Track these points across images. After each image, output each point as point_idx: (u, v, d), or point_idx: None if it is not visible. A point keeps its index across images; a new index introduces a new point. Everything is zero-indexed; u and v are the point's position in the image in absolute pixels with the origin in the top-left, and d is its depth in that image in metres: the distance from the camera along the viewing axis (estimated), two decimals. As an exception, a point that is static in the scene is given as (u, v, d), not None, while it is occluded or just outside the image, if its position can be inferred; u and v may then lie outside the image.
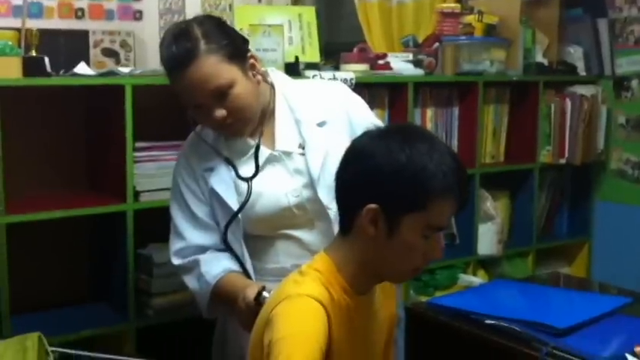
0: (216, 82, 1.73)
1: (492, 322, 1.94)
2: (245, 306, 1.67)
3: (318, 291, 1.40)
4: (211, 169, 1.87)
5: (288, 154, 1.85)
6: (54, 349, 1.75)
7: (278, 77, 1.93)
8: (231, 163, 1.84)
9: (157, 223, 2.09)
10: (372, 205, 1.38)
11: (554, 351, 1.77)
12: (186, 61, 1.71)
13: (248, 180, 1.82)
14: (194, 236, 1.89)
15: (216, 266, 1.85)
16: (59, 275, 2.45)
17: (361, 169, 1.41)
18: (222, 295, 1.83)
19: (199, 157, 1.89)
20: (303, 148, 1.85)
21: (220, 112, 1.75)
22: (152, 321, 2.35)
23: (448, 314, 2.06)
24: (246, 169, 1.84)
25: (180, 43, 1.72)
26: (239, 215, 1.82)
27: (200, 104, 1.76)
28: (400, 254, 1.42)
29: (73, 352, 1.87)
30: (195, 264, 1.88)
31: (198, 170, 1.89)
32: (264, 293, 1.64)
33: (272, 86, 1.90)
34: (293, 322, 1.35)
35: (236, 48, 1.78)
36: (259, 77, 1.85)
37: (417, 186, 1.37)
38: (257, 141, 1.84)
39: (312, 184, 1.83)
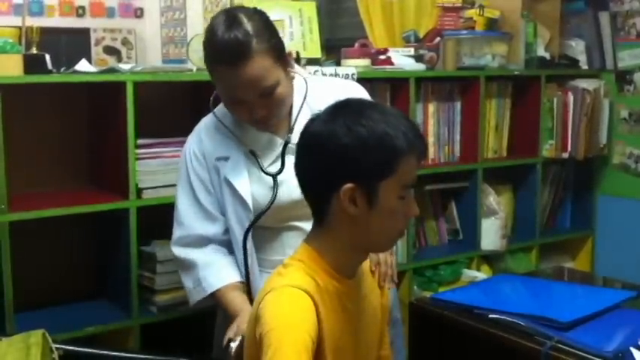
0: (266, 83, 1.72)
1: (496, 316, 1.94)
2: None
3: (303, 280, 1.41)
4: (226, 159, 1.86)
5: None
6: (58, 346, 1.75)
7: (296, 71, 1.94)
8: (255, 156, 1.85)
9: (159, 220, 2.09)
10: (348, 185, 1.39)
11: (558, 345, 1.77)
12: (239, 59, 1.68)
13: (274, 176, 1.82)
14: (197, 225, 1.89)
15: (215, 276, 1.86)
16: (62, 272, 2.45)
17: (325, 155, 1.42)
18: (219, 303, 1.88)
19: (214, 144, 1.88)
20: None
21: (261, 111, 1.76)
22: (155, 318, 2.35)
23: (452, 309, 2.06)
24: (266, 162, 1.85)
25: (233, 38, 1.68)
26: (251, 207, 1.82)
27: (243, 101, 1.75)
28: (384, 222, 1.43)
29: (76, 349, 1.87)
30: (194, 265, 1.88)
31: (210, 158, 1.88)
32: (232, 344, 1.67)
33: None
34: (279, 314, 1.36)
35: (281, 46, 1.78)
36: (292, 74, 1.86)
37: (384, 152, 1.39)
38: (285, 138, 1.85)
39: None
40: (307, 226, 1.84)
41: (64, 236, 2.43)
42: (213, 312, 2.05)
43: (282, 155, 1.83)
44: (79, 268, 2.50)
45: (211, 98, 1.90)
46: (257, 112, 1.76)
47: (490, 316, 1.95)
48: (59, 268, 2.44)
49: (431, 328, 2.11)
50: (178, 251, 1.91)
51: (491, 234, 3.05)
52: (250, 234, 1.84)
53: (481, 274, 2.99)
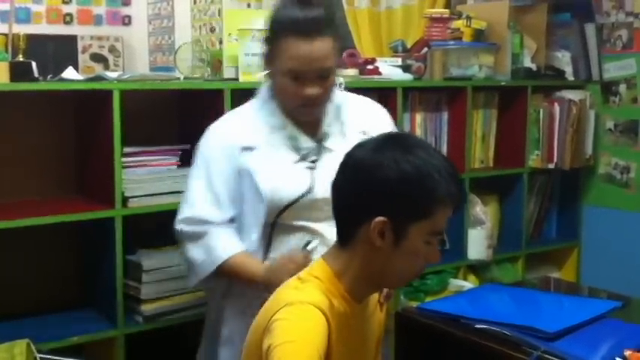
0: (328, 63, 1.83)
1: (482, 326, 1.94)
2: (289, 259, 1.75)
3: (319, 299, 1.41)
4: (251, 149, 1.90)
5: (330, 150, 1.90)
6: (42, 355, 1.74)
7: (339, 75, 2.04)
8: (294, 148, 1.90)
9: (145, 229, 2.08)
10: (381, 218, 1.38)
11: (544, 355, 1.77)
12: (314, 33, 1.79)
13: (311, 167, 1.89)
14: (206, 210, 1.91)
15: (228, 243, 1.89)
16: (48, 281, 2.43)
17: (367, 183, 1.41)
18: (232, 271, 1.88)
19: (243, 133, 1.92)
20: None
21: (314, 90, 1.83)
22: (141, 327, 2.33)
23: (438, 319, 2.06)
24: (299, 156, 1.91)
25: (312, 12, 1.79)
26: (265, 201, 1.86)
27: (302, 76, 1.82)
28: (404, 261, 1.43)
29: (61, 358, 1.86)
30: (203, 235, 1.90)
31: (235, 146, 1.91)
32: (309, 247, 1.77)
33: None
34: (294, 329, 1.35)
35: (342, 43, 1.92)
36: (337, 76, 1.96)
37: (424, 194, 1.38)
38: (318, 136, 1.92)
39: None
40: (323, 228, 1.86)
41: (49, 245, 2.41)
42: (198, 321, 2.05)
43: (318, 151, 1.90)
44: (65, 277, 2.48)
45: (263, 84, 1.96)
46: (310, 89, 1.83)
47: (477, 326, 1.94)
48: (44, 277, 2.42)
49: (417, 338, 2.10)
50: (184, 227, 1.93)
51: (477, 244, 3.06)
52: (262, 228, 1.88)
53: (468, 284, 2.99)
